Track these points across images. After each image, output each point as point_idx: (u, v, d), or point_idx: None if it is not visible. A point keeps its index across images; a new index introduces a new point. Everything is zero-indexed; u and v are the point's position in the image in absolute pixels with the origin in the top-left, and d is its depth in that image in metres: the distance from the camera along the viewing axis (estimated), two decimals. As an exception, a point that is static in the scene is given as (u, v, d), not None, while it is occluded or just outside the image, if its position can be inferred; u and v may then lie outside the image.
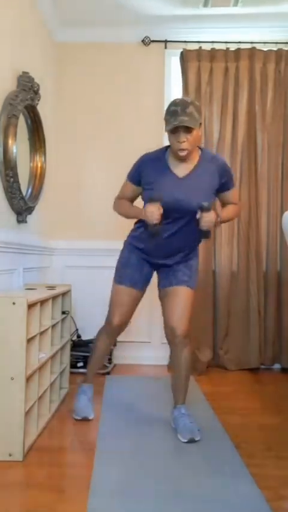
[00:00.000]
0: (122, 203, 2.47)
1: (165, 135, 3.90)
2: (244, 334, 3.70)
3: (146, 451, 2.11)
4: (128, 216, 2.46)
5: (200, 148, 2.34)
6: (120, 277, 2.45)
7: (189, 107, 2.13)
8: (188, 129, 2.14)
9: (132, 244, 2.46)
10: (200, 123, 2.21)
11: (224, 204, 2.47)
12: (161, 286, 2.46)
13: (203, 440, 2.23)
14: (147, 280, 2.49)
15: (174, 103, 2.17)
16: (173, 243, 2.35)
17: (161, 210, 2.20)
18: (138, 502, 1.67)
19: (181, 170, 2.28)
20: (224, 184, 2.35)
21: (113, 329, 2.48)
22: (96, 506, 1.63)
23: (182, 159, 2.25)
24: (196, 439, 2.21)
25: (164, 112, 2.22)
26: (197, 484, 1.81)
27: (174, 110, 2.13)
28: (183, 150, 2.18)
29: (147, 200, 2.25)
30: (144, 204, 2.30)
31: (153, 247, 2.38)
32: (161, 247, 2.37)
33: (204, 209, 2.18)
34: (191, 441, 2.21)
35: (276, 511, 1.63)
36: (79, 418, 2.48)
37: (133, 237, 2.47)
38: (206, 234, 2.27)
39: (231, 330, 3.72)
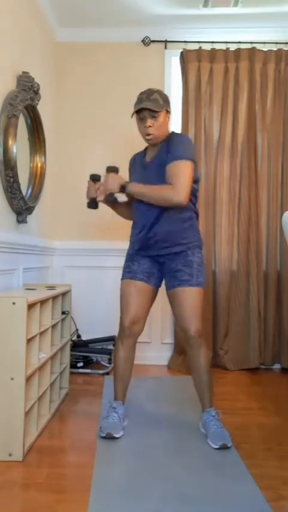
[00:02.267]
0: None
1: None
2: (244, 334, 3.70)
3: (146, 451, 2.11)
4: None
5: (170, 133, 2.42)
6: (122, 274, 2.48)
7: (154, 94, 2.31)
8: (153, 115, 2.28)
9: (130, 242, 2.50)
10: (168, 110, 2.34)
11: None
12: (167, 289, 2.40)
13: (203, 441, 2.23)
14: (149, 273, 2.39)
15: (141, 92, 2.34)
16: (154, 228, 2.32)
17: (98, 187, 2.35)
18: (139, 502, 1.67)
19: (150, 156, 2.41)
20: (169, 154, 2.25)
21: (125, 330, 2.38)
22: (97, 506, 1.63)
23: (152, 145, 2.38)
24: (229, 445, 2.14)
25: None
26: (198, 484, 1.81)
27: (140, 98, 2.31)
28: (149, 134, 2.31)
29: (90, 177, 2.43)
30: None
31: (142, 237, 2.36)
32: (146, 236, 2.35)
33: (109, 170, 2.37)
34: (223, 447, 2.13)
35: (276, 511, 1.63)
36: (103, 435, 2.22)
37: (131, 241, 2.51)
38: (95, 204, 2.44)
39: (231, 330, 3.72)
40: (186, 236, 2.33)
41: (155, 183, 2.26)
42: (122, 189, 2.30)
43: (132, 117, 2.35)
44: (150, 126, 2.29)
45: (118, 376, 2.41)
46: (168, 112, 2.35)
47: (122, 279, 2.47)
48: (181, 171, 2.20)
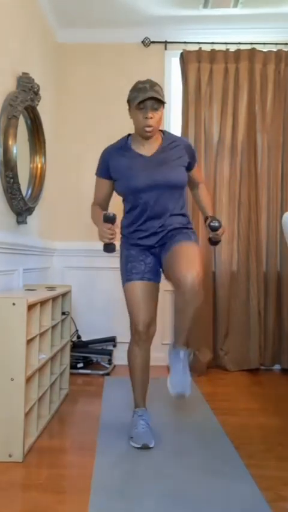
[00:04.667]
0: (94, 211, 2.42)
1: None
2: (244, 334, 3.70)
3: (146, 451, 2.11)
4: (96, 225, 2.33)
5: (161, 131, 2.39)
6: (127, 276, 2.31)
7: (156, 86, 2.22)
8: (156, 107, 2.20)
9: (127, 242, 2.38)
10: (164, 103, 2.25)
11: (191, 183, 2.49)
12: (163, 260, 2.28)
13: (203, 441, 2.23)
14: (155, 271, 2.34)
15: (140, 82, 2.23)
16: (154, 217, 2.29)
17: (113, 231, 2.13)
18: (139, 502, 1.67)
19: (147, 150, 2.30)
20: (191, 163, 2.39)
21: (141, 334, 2.26)
22: (97, 506, 1.63)
23: (147, 138, 2.26)
24: (187, 394, 2.10)
25: (131, 91, 2.24)
26: (197, 484, 1.81)
27: (143, 87, 2.19)
28: (149, 126, 2.20)
29: (104, 218, 2.15)
30: (118, 191, 2.36)
31: (143, 224, 2.31)
32: (148, 224, 2.30)
33: (216, 229, 2.27)
34: (180, 397, 2.11)
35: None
36: (138, 446, 2.15)
37: (124, 236, 2.41)
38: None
39: (231, 331, 3.72)
40: (185, 219, 2.35)
41: (165, 173, 2.25)
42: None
43: (132, 103, 2.20)
44: (151, 118, 2.19)
45: (138, 382, 2.31)
46: (163, 107, 2.28)
47: (128, 281, 2.30)
48: (201, 171, 2.59)
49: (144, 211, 2.29)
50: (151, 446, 2.15)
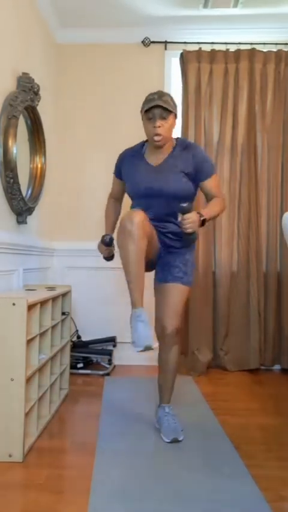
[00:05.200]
0: (108, 207, 2.65)
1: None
2: (244, 334, 3.70)
3: (146, 451, 2.11)
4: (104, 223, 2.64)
5: (175, 138, 2.40)
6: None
7: (165, 96, 2.27)
8: (164, 116, 2.23)
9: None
10: (176, 114, 2.31)
11: (207, 197, 2.41)
12: (157, 279, 2.42)
13: (203, 441, 2.23)
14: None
15: (151, 93, 2.30)
16: (158, 223, 2.33)
17: (108, 253, 2.45)
18: (139, 502, 1.67)
19: (155, 159, 2.36)
20: (200, 172, 2.33)
21: (133, 222, 2.06)
22: (97, 507, 1.63)
23: (158, 147, 2.31)
24: (179, 439, 2.22)
25: (143, 103, 2.30)
26: (197, 485, 1.81)
27: (151, 98, 2.25)
28: (158, 135, 2.24)
29: (102, 241, 2.41)
30: (127, 192, 2.49)
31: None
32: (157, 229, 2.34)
33: (184, 211, 2.14)
34: (174, 441, 2.20)
35: None
36: (141, 349, 1.98)
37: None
38: (191, 237, 2.19)
39: (231, 331, 3.72)
40: (185, 238, 2.31)
41: (167, 187, 2.28)
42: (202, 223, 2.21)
43: (142, 114, 2.27)
44: (159, 127, 2.23)
45: (132, 274, 2.07)
46: (175, 117, 2.32)
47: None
48: (217, 183, 2.43)
49: (149, 213, 2.29)
50: (154, 347, 2.02)
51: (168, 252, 2.39)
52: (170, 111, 2.24)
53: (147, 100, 2.27)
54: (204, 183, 2.36)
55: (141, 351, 2.00)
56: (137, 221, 2.06)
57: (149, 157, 2.38)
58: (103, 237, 2.40)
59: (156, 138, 2.25)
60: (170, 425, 2.27)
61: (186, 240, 2.27)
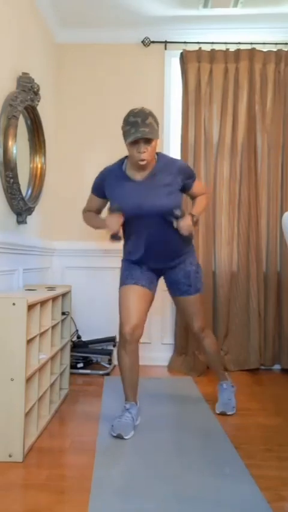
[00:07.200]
0: (88, 215, 2.59)
1: (166, 135, 3.91)
2: (244, 334, 3.70)
3: (146, 451, 2.11)
4: (93, 226, 2.56)
5: (156, 153, 2.41)
6: (122, 281, 2.49)
7: (149, 118, 2.21)
8: (148, 140, 2.23)
9: (127, 260, 2.53)
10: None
11: (193, 198, 2.58)
12: (171, 294, 2.66)
13: (203, 441, 2.23)
14: (150, 280, 2.50)
15: (133, 113, 2.23)
16: (154, 247, 2.43)
17: (121, 220, 2.34)
18: (139, 502, 1.67)
19: (139, 175, 2.39)
20: (188, 184, 2.47)
21: (127, 338, 2.36)
22: (97, 507, 1.63)
23: (142, 169, 2.34)
24: (228, 413, 2.59)
25: (124, 122, 2.26)
26: (198, 484, 1.81)
27: (135, 121, 2.20)
28: (143, 160, 2.26)
29: (111, 209, 2.37)
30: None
31: (143, 254, 2.44)
32: (148, 253, 2.44)
33: (178, 217, 2.32)
34: (223, 414, 2.58)
35: None
36: (114, 434, 2.25)
37: (126, 258, 2.54)
38: (188, 238, 2.45)
39: (231, 331, 3.72)
40: (185, 247, 2.52)
41: (152, 200, 2.32)
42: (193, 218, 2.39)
43: (126, 143, 2.24)
44: (144, 152, 2.23)
45: (126, 382, 2.42)
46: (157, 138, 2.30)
47: (122, 285, 2.48)
48: (200, 183, 2.62)
49: (141, 239, 2.41)
50: (126, 437, 2.23)
51: (170, 268, 2.54)
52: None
53: (131, 123, 2.20)
54: (192, 189, 2.52)
55: (114, 436, 2.24)
56: (129, 332, 2.36)
57: (132, 174, 2.38)
58: (111, 206, 2.38)
59: (141, 162, 2.27)
60: (224, 401, 2.64)
61: (187, 240, 2.48)
